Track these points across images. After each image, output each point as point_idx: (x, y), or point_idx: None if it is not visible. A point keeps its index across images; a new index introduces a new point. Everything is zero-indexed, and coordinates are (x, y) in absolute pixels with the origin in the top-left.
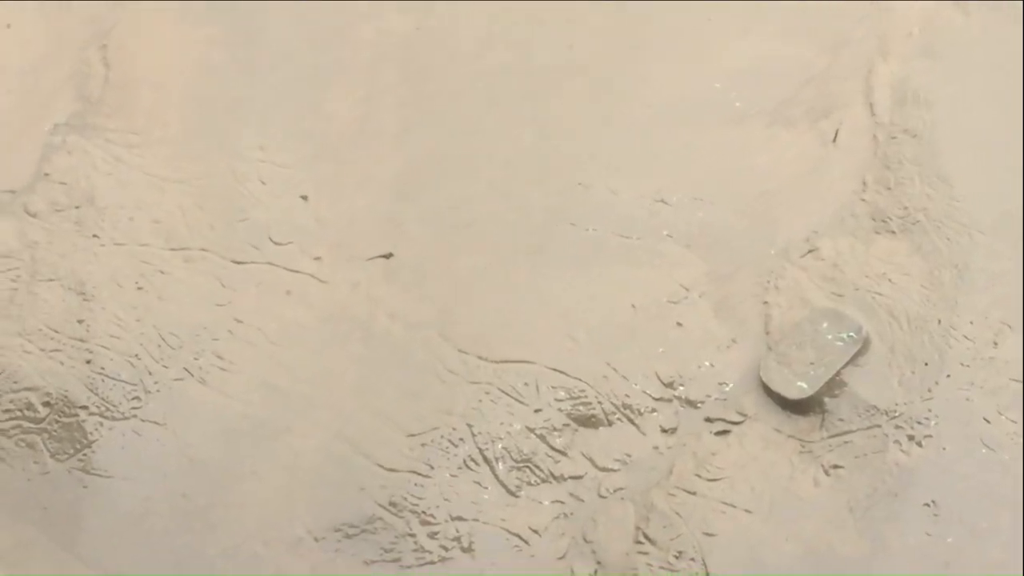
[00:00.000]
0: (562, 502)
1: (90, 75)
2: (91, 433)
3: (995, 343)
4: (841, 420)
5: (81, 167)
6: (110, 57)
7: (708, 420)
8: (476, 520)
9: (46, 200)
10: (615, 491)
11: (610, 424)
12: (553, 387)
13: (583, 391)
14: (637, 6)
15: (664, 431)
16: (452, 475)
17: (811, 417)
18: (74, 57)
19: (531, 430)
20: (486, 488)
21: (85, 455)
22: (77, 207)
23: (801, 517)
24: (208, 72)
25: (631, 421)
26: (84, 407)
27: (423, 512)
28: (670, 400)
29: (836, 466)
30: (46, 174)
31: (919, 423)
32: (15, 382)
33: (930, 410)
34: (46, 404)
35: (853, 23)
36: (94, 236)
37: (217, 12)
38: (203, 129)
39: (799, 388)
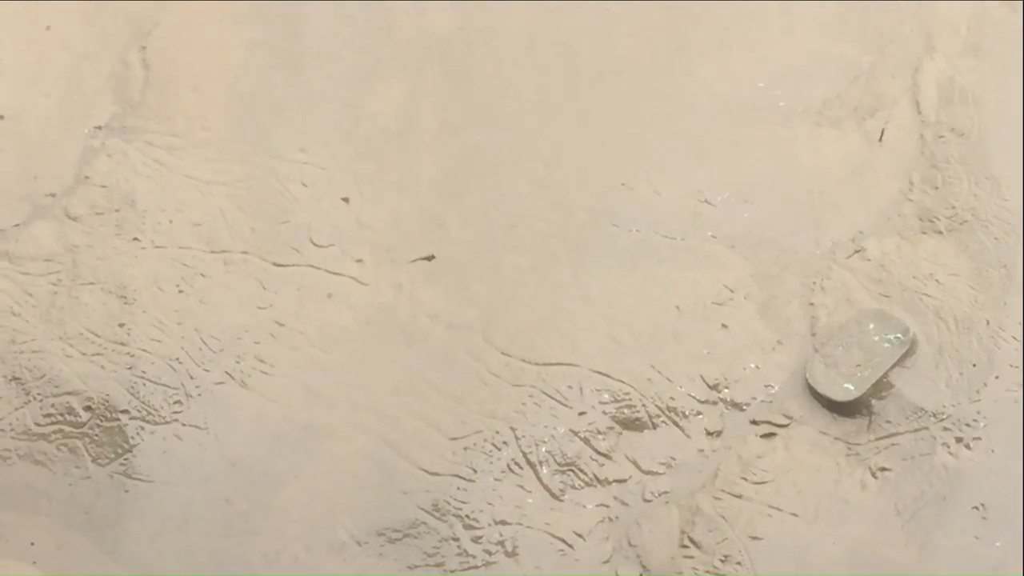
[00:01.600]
0: (607, 506)
1: (130, 77)
2: (132, 437)
3: None
4: (888, 422)
5: (121, 170)
6: (150, 59)
7: (754, 423)
8: (520, 524)
9: (86, 203)
10: (660, 495)
11: (655, 427)
12: (597, 390)
13: (627, 394)
14: (681, 5)
15: (709, 434)
16: (496, 479)
17: (858, 419)
18: (114, 59)
19: (575, 433)
20: (530, 492)
21: (126, 459)
22: (117, 210)
23: (848, 520)
24: (249, 73)
25: (676, 424)
26: (125, 411)
27: (467, 516)
28: (715, 402)
29: (883, 469)
30: (86, 177)
31: (967, 425)
32: (56, 386)
33: (978, 412)
34: (87, 408)
35: (899, 20)
36: (134, 239)
37: (258, 13)
38: (244, 131)
39: (846, 390)
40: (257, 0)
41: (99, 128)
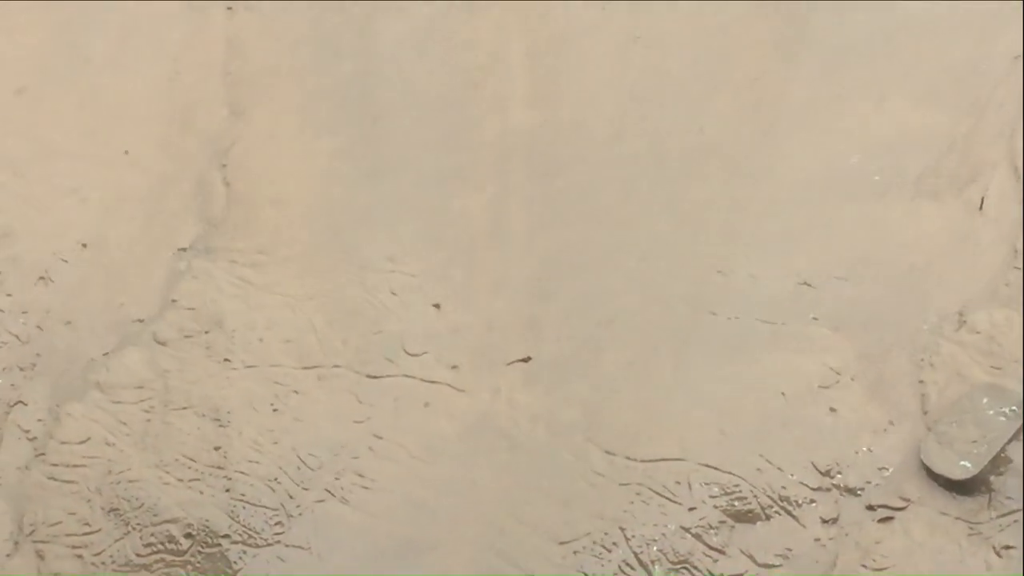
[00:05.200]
0: None
1: (211, 196)
2: (235, 562)
3: None
4: (1009, 498)
5: (208, 291)
6: (231, 176)
7: (870, 508)
8: None
9: (175, 327)
10: None
11: (768, 518)
12: (706, 483)
13: (737, 486)
14: (767, 84)
15: (825, 522)
16: None
17: (978, 497)
18: (194, 179)
19: (686, 529)
20: None
21: None
22: (206, 332)
23: None
24: (331, 184)
25: (789, 514)
26: (226, 536)
27: None
28: (829, 489)
29: (1008, 547)
30: (173, 300)
31: None
32: (155, 515)
33: None
34: (188, 535)
35: (992, 85)
36: (225, 360)
37: (337, 121)
38: (330, 243)
39: (963, 468)
40: (335, 109)
41: (183, 250)
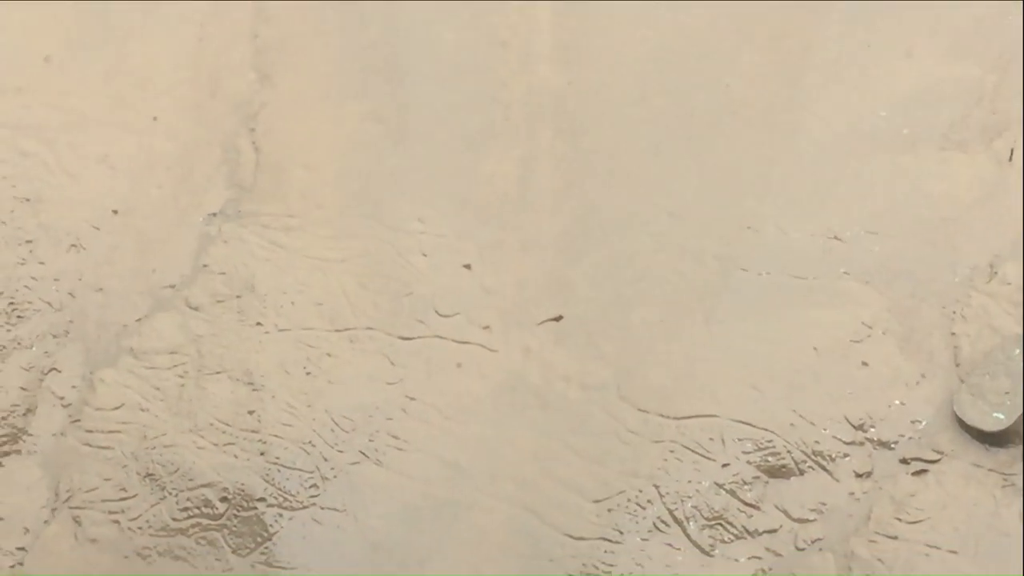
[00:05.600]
0: (759, 558)
1: (241, 161)
2: (271, 525)
3: None
4: None
5: (239, 255)
6: (259, 141)
7: (904, 461)
8: None
9: (207, 292)
10: (813, 542)
11: (801, 473)
12: (739, 439)
13: (771, 441)
14: (792, 39)
15: (858, 476)
16: (643, 539)
17: (1011, 449)
18: (223, 144)
19: (720, 486)
20: (679, 549)
21: (267, 548)
22: (238, 296)
23: (1009, 554)
24: (360, 147)
25: (823, 468)
26: (262, 499)
27: None
28: (862, 443)
29: None
30: (204, 265)
31: None
32: (191, 480)
33: None
34: (223, 499)
35: (1019, 37)
36: (258, 324)
37: (364, 86)
38: (360, 206)
39: (996, 419)
40: (362, 72)
41: (214, 215)
